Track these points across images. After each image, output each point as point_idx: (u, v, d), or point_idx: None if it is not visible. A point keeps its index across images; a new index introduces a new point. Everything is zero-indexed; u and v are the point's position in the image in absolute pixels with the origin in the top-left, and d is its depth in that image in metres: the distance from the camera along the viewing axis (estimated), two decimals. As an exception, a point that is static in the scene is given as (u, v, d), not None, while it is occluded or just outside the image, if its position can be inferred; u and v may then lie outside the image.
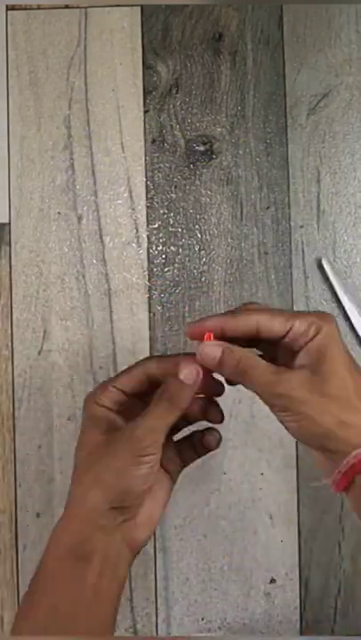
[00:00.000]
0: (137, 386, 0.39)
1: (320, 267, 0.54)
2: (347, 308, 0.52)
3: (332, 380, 0.34)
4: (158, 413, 0.36)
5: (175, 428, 0.39)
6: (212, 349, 0.35)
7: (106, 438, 0.37)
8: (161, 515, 0.39)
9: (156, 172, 0.56)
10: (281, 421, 0.35)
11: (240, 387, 0.55)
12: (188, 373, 0.35)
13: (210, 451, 0.40)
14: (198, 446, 0.40)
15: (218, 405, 0.39)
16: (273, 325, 0.35)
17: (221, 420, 0.39)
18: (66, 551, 0.36)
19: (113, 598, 0.36)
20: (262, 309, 0.37)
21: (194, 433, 0.40)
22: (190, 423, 0.40)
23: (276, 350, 0.37)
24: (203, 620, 0.54)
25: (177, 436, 0.41)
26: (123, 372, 0.39)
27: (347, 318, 0.53)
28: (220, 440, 0.40)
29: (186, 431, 0.41)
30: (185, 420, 0.39)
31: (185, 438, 0.41)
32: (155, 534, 0.54)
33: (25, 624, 0.35)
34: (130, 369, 0.39)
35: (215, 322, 0.36)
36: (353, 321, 0.52)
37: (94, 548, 0.35)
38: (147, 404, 0.37)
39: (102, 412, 0.38)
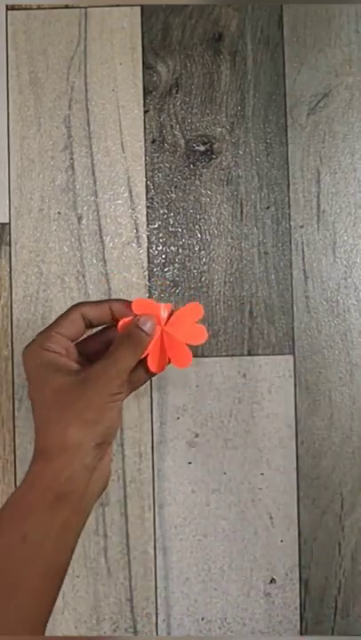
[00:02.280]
0: (76, 331, 0.41)
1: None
2: None
3: None
4: (126, 357, 0.39)
5: None
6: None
7: (75, 380, 0.38)
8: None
9: (156, 171, 0.56)
10: None
11: (240, 387, 0.55)
12: (150, 325, 0.41)
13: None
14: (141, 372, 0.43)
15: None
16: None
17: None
18: (45, 489, 0.37)
19: (77, 534, 0.38)
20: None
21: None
22: None
23: None
24: (203, 619, 0.54)
25: None
26: (60, 319, 0.41)
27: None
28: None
29: None
30: None
31: None
32: (155, 534, 0.54)
33: None
34: (67, 315, 0.41)
35: None
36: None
37: (76, 486, 0.37)
38: (83, 348, 0.42)
39: (55, 358, 0.40)
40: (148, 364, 0.42)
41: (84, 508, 0.38)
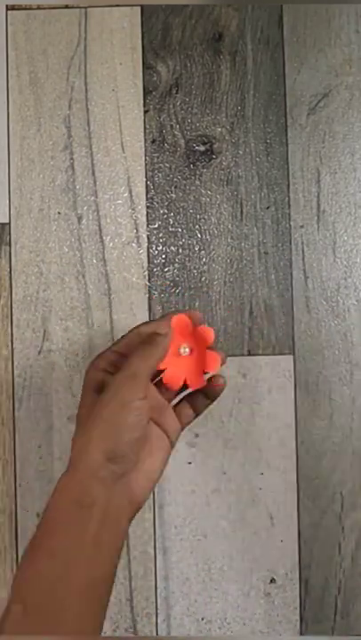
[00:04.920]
0: (131, 346, 0.41)
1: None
2: None
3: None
4: (137, 361, 0.38)
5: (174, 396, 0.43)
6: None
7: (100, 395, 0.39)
8: (160, 473, 0.40)
9: (156, 171, 0.56)
10: None
11: (240, 387, 0.55)
12: (164, 327, 0.40)
13: (215, 397, 0.42)
14: (208, 391, 0.42)
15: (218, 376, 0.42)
16: None
17: (219, 388, 0.42)
18: (69, 501, 0.37)
19: (113, 550, 0.38)
20: None
21: (190, 394, 0.43)
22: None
23: None
24: (203, 619, 0.54)
25: (174, 401, 0.43)
26: (120, 339, 0.42)
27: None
28: (224, 385, 0.42)
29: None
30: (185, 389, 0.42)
31: (182, 400, 0.43)
32: (155, 534, 0.54)
33: (25, 568, 0.36)
34: (126, 333, 0.42)
35: None
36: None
37: (95, 499, 0.37)
38: None
39: (98, 375, 0.40)
40: (164, 378, 0.41)
41: (113, 524, 0.37)
